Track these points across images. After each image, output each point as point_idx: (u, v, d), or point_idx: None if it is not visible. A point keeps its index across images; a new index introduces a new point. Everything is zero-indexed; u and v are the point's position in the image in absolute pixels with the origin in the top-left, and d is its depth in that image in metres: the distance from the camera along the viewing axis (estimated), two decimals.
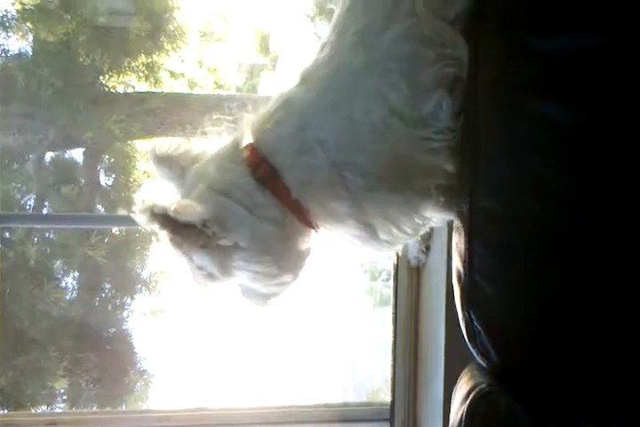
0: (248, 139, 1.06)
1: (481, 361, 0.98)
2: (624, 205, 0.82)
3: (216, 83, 4.14)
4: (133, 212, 0.97)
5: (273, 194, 1.02)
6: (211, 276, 1.05)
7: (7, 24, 3.35)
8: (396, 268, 1.66)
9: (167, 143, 1.11)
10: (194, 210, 0.96)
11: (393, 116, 0.99)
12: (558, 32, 0.86)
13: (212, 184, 1.02)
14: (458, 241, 0.99)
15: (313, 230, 1.08)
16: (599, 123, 0.83)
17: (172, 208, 0.95)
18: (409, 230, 1.09)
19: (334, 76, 1.02)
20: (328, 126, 1.01)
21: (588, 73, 0.83)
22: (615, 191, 0.83)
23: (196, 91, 4.00)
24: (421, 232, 1.14)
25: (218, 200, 1.00)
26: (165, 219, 0.95)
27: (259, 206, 1.02)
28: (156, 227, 0.97)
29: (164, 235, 0.99)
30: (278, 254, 1.04)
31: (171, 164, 1.09)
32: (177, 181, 1.09)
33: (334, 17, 1.08)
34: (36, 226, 3.15)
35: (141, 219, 0.97)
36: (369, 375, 3.61)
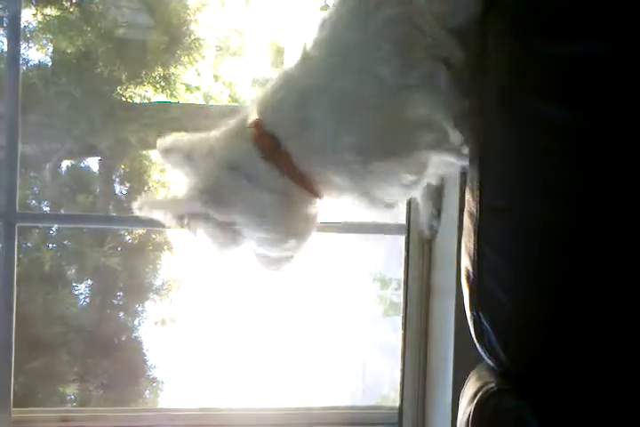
0: (254, 115, 1.12)
1: (489, 361, 0.99)
2: (625, 204, 0.84)
3: (231, 96, 4.17)
4: None
5: (275, 164, 1.08)
6: (223, 244, 1.11)
7: (28, 35, 3.41)
8: (406, 272, 1.67)
9: (172, 137, 1.16)
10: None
11: (383, 85, 1.04)
12: (567, 38, 0.88)
13: (219, 160, 1.09)
14: (467, 241, 1.01)
15: (317, 198, 1.14)
16: (601, 125, 0.85)
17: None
18: (408, 184, 1.13)
19: (329, 56, 1.08)
20: (323, 106, 1.06)
21: (591, 77, 0.86)
22: (617, 191, 0.84)
23: (211, 104, 4.05)
24: (420, 185, 1.17)
25: (222, 174, 1.08)
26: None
27: (260, 176, 1.08)
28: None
29: (170, 219, 1.08)
30: (280, 221, 1.11)
31: (178, 151, 1.14)
32: (188, 166, 1.13)
33: None
34: (54, 225, 3.18)
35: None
36: (378, 380, 3.60)
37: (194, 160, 1.12)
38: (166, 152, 1.15)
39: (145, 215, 1.09)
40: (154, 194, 1.17)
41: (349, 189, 1.11)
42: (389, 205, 1.15)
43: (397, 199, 1.18)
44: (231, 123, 1.15)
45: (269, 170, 1.08)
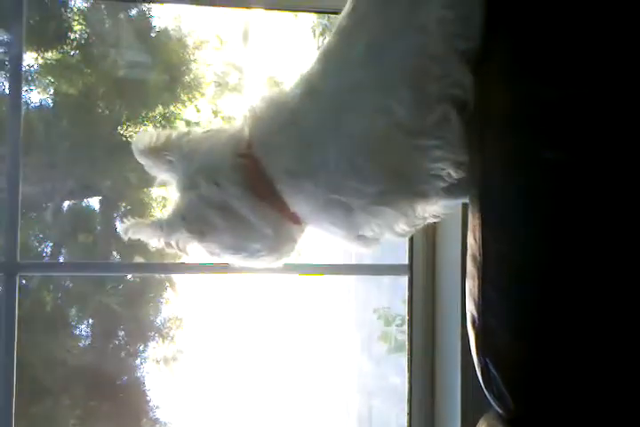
0: (246, 135, 1.08)
1: (498, 408, 0.97)
2: (625, 248, 0.83)
3: None
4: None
5: (267, 204, 1.06)
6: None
7: (29, 78, 3.46)
8: (410, 314, 1.66)
9: (148, 135, 1.11)
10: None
11: (394, 128, 1.00)
12: (558, 82, 0.89)
13: (206, 198, 1.05)
14: (471, 285, 1.00)
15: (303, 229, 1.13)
16: (598, 167, 0.85)
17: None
18: (401, 233, 1.11)
19: (342, 94, 1.03)
20: (332, 149, 1.02)
21: (576, 119, 0.86)
22: (617, 236, 0.84)
23: None
24: (412, 232, 1.15)
25: (208, 213, 1.05)
26: None
27: (250, 215, 1.06)
28: None
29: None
30: (267, 249, 1.10)
31: (156, 156, 1.10)
32: (168, 171, 1.11)
33: (342, 17, 1.06)
34: (53, 274, 3.18)
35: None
36: (385, 423, 3.54)
37: (178, 169, 1.09)
38: (144, 155, 1.10)
39: (132, 238, 1.07)
40: (140, 219, 1.10)
41: (343, 237, 1.10)
42: (372, 243, 1.13)
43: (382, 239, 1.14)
44: (220, 137, 1.10)
45: (260, 209, 1.06)
